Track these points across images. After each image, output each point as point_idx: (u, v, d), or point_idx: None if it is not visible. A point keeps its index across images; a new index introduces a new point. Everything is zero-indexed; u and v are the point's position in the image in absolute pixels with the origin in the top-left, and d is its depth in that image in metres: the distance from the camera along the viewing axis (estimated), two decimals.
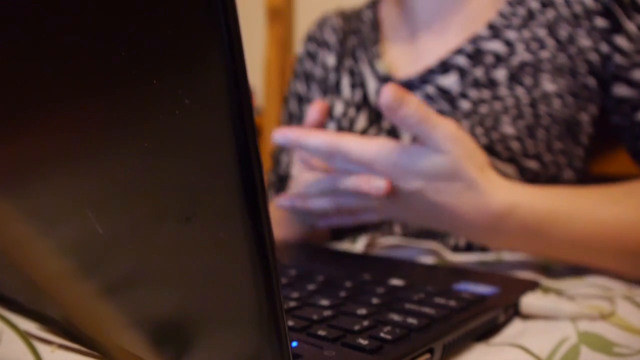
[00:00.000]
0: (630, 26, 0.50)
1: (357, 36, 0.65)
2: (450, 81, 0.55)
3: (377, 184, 0.41)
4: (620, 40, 0.50)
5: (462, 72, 0.54)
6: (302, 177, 0.48)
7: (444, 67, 0.56)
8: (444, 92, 0.55)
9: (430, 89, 0.55)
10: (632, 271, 0.42)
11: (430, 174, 0.41)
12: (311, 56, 0.70)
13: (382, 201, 0.44)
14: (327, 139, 0.42)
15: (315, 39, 0.71)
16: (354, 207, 0.45)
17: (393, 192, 0.42)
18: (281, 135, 0.44)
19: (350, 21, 0.68)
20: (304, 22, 1.11)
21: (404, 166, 0.41)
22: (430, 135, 0.40)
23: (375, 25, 0.65)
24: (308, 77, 0.69)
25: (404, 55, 0.61)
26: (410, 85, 0.57)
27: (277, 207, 0.49)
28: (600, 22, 0.51)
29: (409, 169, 0.41)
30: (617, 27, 0.50)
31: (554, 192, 0.43)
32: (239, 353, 0.20)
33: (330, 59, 0.67)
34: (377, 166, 0.41)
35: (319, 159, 0.45)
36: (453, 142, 0.40)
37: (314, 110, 0.50)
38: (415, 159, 0.41)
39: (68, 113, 0.22)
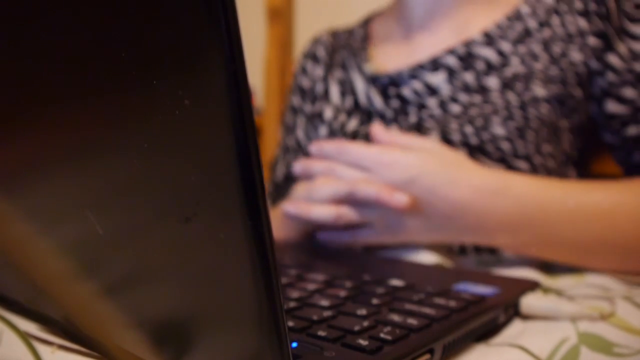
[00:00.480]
0: (622, 48, 0.52)
1: (347, 50, 0.69)
2: (438, 79, 0.57)
3: (399, 197, 0.43)
4: (613, 59, 0.52)
5: (451, 72, 0.56)
6: (315, 183, 0.48)
7: (435, 64, 0.58)
8: (430, 89, 0.57)
9: (417, 85, 0.58)
10: (624, 258, 0.42)
11: (422, 160, 0.44)
12: (305, 71, 0.74)
13: (381, 215, 0.45)
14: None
15: (308, 56, 0.75)
16: (353, 220, 0.46)
17: (414, 207, 0.45)
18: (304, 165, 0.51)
19: (340, 37, 0.73)
20: (304, 22, 1.11)
21: (397, 158, 0.44)
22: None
23: (365, 38, 0.68)
24: (302, 91, 0.73)
25: (397, 52, 0.63)
26: (399, 78, 0.59)
27: (283, 214, 0.50)
28: (593, 41, 0.53)
29: (401, 160, 0.44)
30: (610, 47, 0.53)
31: (544, 179, 0.45)
32: (239, 353, 0.20)
33: (318, 70, 0.71)
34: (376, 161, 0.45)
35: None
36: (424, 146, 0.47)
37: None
38: (406, 151, 0.45)
39: (68, 113, 0.22)
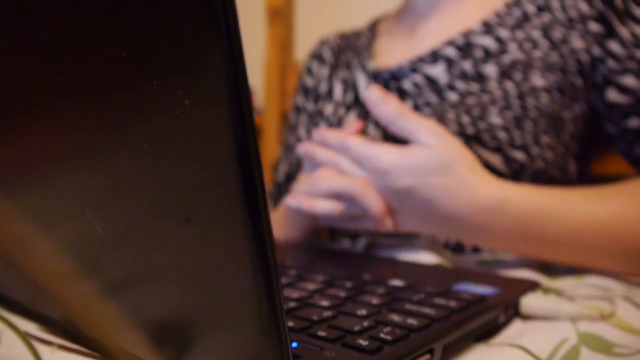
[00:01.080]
0: (624, 32, 0.51)
1: (353, 50, 0.69)
2: (437, 71, 0.57)
3: (389, 224, 0.45)
4: (614, 45, 0.51)
5: (450, 62, 0.56)
6: (316, 174, 0.48)
7: (434, 56, 0.58)
8: (431, 82, 0.57)
9: (418, 78, 0.57)
10: (625, 265, 0.42)
11: (421, 168, 0.43)
12: (310, 71, 0.74)
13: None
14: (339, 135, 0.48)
15: (314, 56, 0.75)
16: (355, 214, 0.46)
17: (393, 229, 0.46)
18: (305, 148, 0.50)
19: (347, 39, 0.73)
20: (304, 22, 1.11)
21: (396, 164, 0.43)
22: (413, 131, 0.44)
23: (372, 38, 0.69)
24: (305, 90, 0.73)
25: (400, 48, 0.63)
26: (400, 72, 0.59)
27: (284, 207, 0.50)
28: (594, 26, 0.52)
29: (400, 165, 0.43)
30: (611, 33, 0.52)
31: (545, 189, 0.44)
32: (239, 353, 0.20)
33: (324, 70, 0.71)
34: (375, 163, 0.44)
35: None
36: (437, 137, 0.43)
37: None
38: (405, 155, 0.43)
39: (68, 113, 0.22)
